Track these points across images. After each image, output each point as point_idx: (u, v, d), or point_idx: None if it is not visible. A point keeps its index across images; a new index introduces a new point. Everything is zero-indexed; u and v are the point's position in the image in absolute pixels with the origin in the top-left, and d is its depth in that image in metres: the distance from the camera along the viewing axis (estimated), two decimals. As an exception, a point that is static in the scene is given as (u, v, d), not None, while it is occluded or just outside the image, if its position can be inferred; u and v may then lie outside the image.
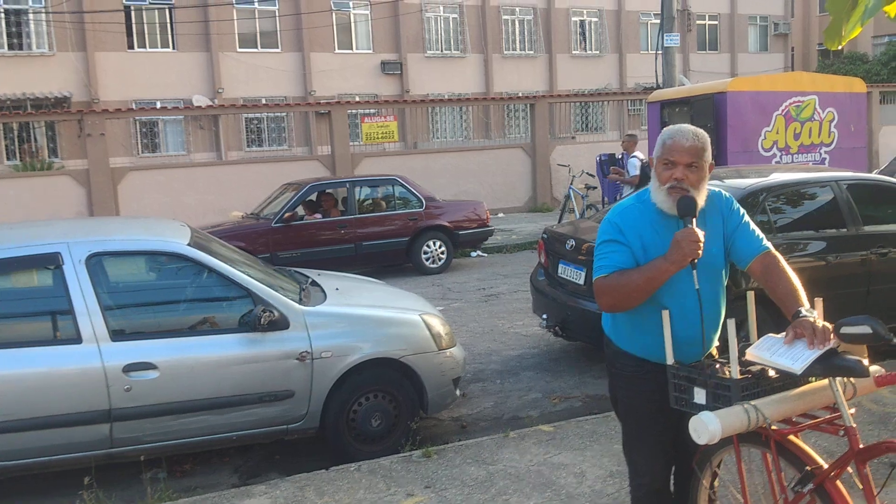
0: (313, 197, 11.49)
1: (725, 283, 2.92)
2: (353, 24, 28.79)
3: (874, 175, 7.89)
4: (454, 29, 30.37)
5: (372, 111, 18.94)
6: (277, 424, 4.79)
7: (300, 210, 11.19)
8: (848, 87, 13.39)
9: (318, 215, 11.28)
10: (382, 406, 5.02)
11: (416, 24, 29.41)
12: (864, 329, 2.19)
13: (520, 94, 26.51)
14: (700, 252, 2.60)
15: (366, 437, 4.98)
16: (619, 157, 15.88)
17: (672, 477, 3.06)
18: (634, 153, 12.89)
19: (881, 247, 6.18)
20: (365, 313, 5.16)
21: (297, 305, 4.87)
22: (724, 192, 2.94)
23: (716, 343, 2.92)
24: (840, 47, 2.75)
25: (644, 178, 12.10)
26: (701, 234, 2.61)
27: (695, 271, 2.64)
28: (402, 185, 11.77)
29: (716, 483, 3.06)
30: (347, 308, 5.17)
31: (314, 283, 5.68)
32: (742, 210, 2.91)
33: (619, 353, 2.99)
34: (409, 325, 5.18)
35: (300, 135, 25.79)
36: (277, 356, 4.69)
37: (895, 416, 4.89)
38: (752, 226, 2.88)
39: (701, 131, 2.80)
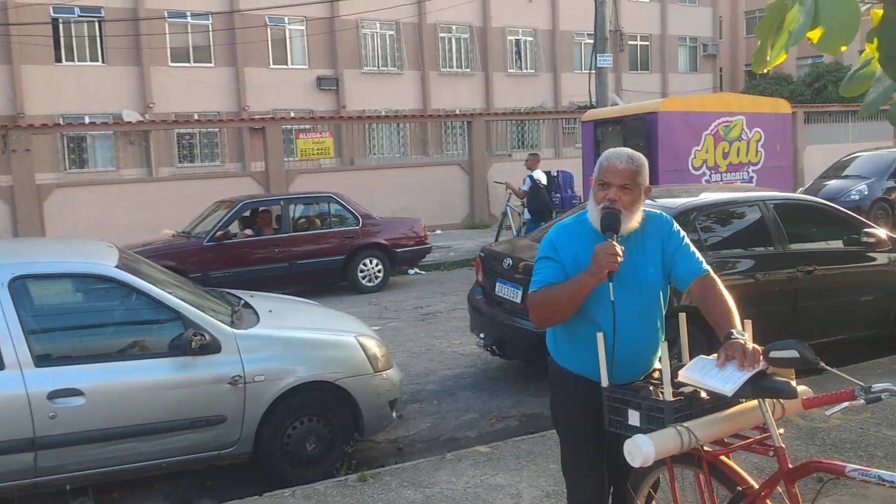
0: (247, 214, 11.30)
1: (664, 305, 2.95)
2: (288, 40, 28.62)
3: (800, 194, 8.15)
4: (391, 45, 30.45)
5: (307, 127, 18.78)
6: (209, 450, 4.66)
7: (233, 228, 10.99)
8: (774, 108, 13.84)
9: (251, 232, 11.09)
10: (317, 430, 4.94)
11: (353, 40, 29.39)
12: (792, 353, 2.23)
13: (457, 112, 26.72)
14: (616, 265, 2.63)
15: (300, 462, 4.89)
16: (555, 174, 16.10)
17: (610, 497, 3.07)
18: (535, 170, 13.13)
19: (807, 264, 6.37)
20: (299, 336, 5.07)
21: (228, 328, 4.77)
22: (664, 213, 2.97)
23: (657, 364, 2.94)
24: (766, 71, 2.82)
25: (532, 194, 12.91)
26: (619, 248, 2.65)
27: (611, 284, 2.67)
28: (338, 203, 11.67)
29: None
30: (281, 331, 5.08)
31: (247, 305, 5.57)
32: (682, 232, 2.94)
33: (559, 370, 3.01)
34: (344, 347, 5.11)
35: (233, 151, 25.45)
36: (209, 380, 4.58)
37: (822, 431, 5.02)
38: (692, 248, 2.92)
39: (638, 155, 2.85)
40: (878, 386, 2.18)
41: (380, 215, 12.68)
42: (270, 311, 5.47)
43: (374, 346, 5.21)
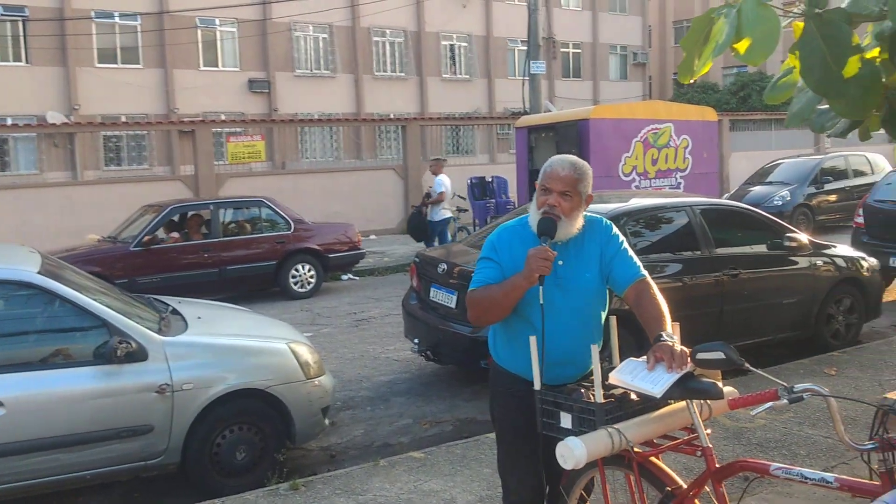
0: (175, 219, 11.04)
1: (604, 309, 2.98)
2: (219, 42, 28.14)
3: (725, 200, 8.36)
4: (324, 49, 30.23)
5: (238, 130, 18.51)
6: (136, 461, 4.53)
7: (161, 233, 10.72)
8: (700, 116, 14.21)
9: (177, 234, 10.83)
10: (248, 438, 4.84)
11: (285, 43, 29.08)
12: (718, 355, 2.27)
13: (391, 116, 26.61)
14: (548, 270, 2.67)
15: (230, 471, 4.78)
16: (490, 180, 16.21)
17: (546, 499, 3.08)
18: (441, 175, 13.33)
19: (732, 268, 6.54)
20: (229, 343, 4.97)
21: (156, 336, 4.64)
22: (604, 219, 3.01)
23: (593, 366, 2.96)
24: (692, 81, 2.89)
25: (413, 215, 13.37)
26: (552, 253, 2.68)
27: (541, 287, 2.71)
28: (270, 207, 11.50)
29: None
30: (210, 338, 4.97)
31: (175, 312, 5.44)
32: (621, 238, 2.98)
33: (497, 370, 3.04)
34: (276, 354, 5.02)
35: (162, 154, 24.87)
36: (135, 389, 4.45)
37: (748, 431, 5.15)
38: (630, 252, 2.96)
39: (582, 164, 2.89)
40: (800, 386, 2.24)
41: (312, 220, 12.55)
42: (199, 317, 5.35)
43: (306, 353, 5.14)
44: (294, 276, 11.29)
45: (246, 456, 4.81)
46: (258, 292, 11.43)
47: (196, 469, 4.67)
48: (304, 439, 5.13)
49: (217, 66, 28.07)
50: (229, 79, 27.90)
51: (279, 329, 5.68)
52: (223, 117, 24.35)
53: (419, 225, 13.29)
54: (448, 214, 13.37)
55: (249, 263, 10.98)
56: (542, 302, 2.71)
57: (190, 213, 11.22)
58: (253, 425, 4.85)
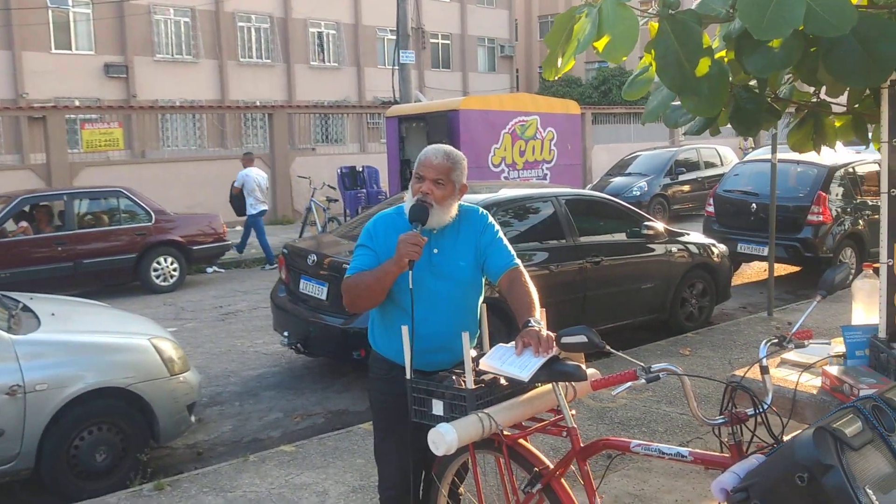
0: (25, 210, 10.34)
1: (480, 297, 3.02)
2: (72, 23, 26.58)
3: (588, 190, 8.67)
4: (186, 33, 29.11)
5: (94, 117, 17.54)
6: (-18, 468, 4.23)
7: (9, 225, 10.03)
8: (565, 109, 14.67)
9: (25, 225, 10.16)
10: (108, 439, 4.63)
11: (144, 26, 27.79)
12: (581, 338, 2.35)
13: (257, 103, 25.98)
14: (417, 255, 2.69)
15: (90, 474, 4.56)
16: (360, 170, 16.11)
17: (422, 484, 3.11)
18: (248, 168, 13.31)
19: (595, 256, 6.80)
20: (86, 340, 4.72)
21: (4, 334, 4.37)
22: (480, 209, 3.05)
23: (472, 353, 2.99)
24: (556, 77, 2.98)
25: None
26: (422, 238, 2.71)
27: (410, 273, 2.72)
28: (128, 198, 10.97)
29: (461, 490, 3.16)
30: (65, 335, 4.71)
31: (26, 309, 5.11)
32: (496, 227, 3.04)
33: (374, 356, 3.06)
34: (137, 350, 4.81)
35: (10, 141, 23.22)
36: (-19, 392, 4.14)
37: (610, 410, 5.38)
38: (505, 242, 3.02)
39: (456, 153, 2.93)
40: (656, 366, 2.35)
41: (175, 211, 12.08)
42: (53, 314, 5.05)
43: (169, 349, 4.96)
44: (156, 270, 10.85)
45: (107, 457, 4.60)
46: (117, 287, 10.90)
47: (52, 473, 4.43)
48: (168, 438, 4.95)
49: (70, 48, 26.50)
50: (84, 62, 26.40)
51: (140, 324, 5.45)
52: (77, 103, 23.04)
53: (240, 206, 13.19)
54: (262, 207, 13.25)
55: (107, 256, 10.45)
56: (411, 287, 2.72)
57: (41, 204, 10.55)
58: (114, 425, 4.65)
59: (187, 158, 19.22)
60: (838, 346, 3.39)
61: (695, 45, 2.58)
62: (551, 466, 2.70)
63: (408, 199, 2.91)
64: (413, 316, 2.72)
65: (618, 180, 17.52)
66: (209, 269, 12.57)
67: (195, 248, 11.26)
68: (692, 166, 17.83)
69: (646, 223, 7.33)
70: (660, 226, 7.45)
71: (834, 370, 3.12)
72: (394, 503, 3.03)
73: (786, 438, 2.08)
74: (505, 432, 2.70)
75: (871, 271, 3.45)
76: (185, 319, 9.17)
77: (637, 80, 3.49)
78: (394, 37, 19.41)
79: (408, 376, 2.75)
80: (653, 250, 7.36)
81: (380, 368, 3.02)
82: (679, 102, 3.21)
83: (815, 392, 3.17)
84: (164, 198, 13.66)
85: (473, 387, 2.62)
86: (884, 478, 1.82)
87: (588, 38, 2.54)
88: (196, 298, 10.46)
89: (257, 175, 13.23)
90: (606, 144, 24.44)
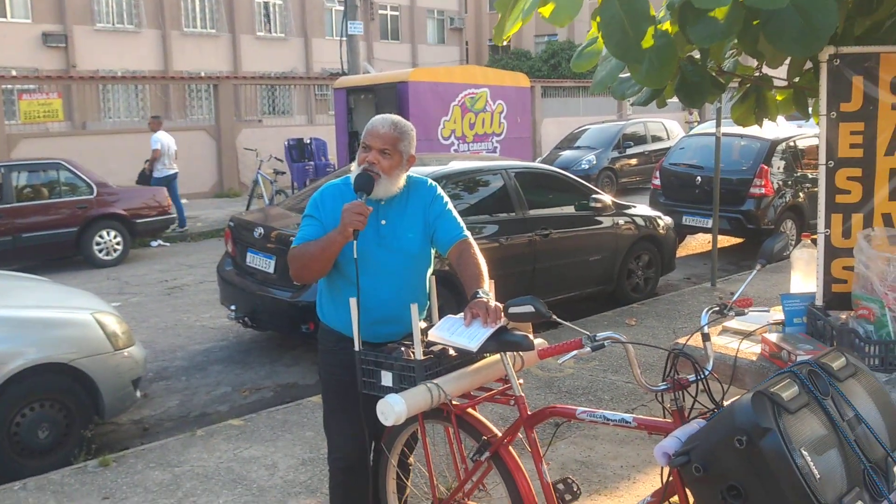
0: (-41, 183, 10.00)
1: (429, 268, 3.02)
2: (7, -10, 25.57)
3: (537, 163, 8.70)
4: (127, 1, 28.25)
5: (32, 87, 16.93)
6: (-83, 449, 4.11)
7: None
8: (514, 82, 14.65)
9: None
10: (51, 415, 4.54)
11: (83, -6, 26.90)
12: (528, 308, 2.37)
13: (202, 74, 25.41)
14: (362, 224, 2.67)
15: (32, 452, 4.47)
16: (308, 142, 15.92)
17: (371, 455, 3.11)
18: (158, 132, 13.24)
19: (544, 229, 6.85)
20: (26, 315, 4.60)
21: (-64, 310, 4.21)
22: (429, 180, 3.03)
23: (422, 325, 2.99)
24: (506, 43, 2.98)
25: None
26: (366, 208, 2.69)
27: (355, 242, 2.71)
28: (69, 170, 10.66)
29: (410, 459, 3.18)
30: (4, 310, 4.59)
31: (-40, 283, 4.95)
32: (446, 198, 3.02)
33: (323, 328, 3.03)
34: (80, 325, 4.71)
35: (-59, 111, 22.36)
36: (-87, 370, 4.02)
37: (558, 380, 5.46)
38: (454, 213, 3.01)
39: (404, 123, 2.90)
40: (601, 335, 2.38)
41: (117, 183, 11.78)
42: (-10, 289, 4.91)
43: (113, 323, 4.86)
44: (98, 244, 10.59)
45: (50, 434, 4.52)
46: (59, 261, 10.64)
47: (-9, 452, 4.32)
48: (113, 413, 4.87)
49: (5, 16, 25.55)
50: (20, 31, 25.49)
51: (83, 299, 5.32)
52: (14, 73, 22.23)
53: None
54: (171, 171, 13.14)
55: (47, 230, 10.17)
56: (355, 257, 2.71)
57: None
58: (57, 401, 4.56)
59: (130, 130, 18.73)
60: (777, 313, 3.48)
61: (639, 13, 2.60)
62: (499, 435, 2.74)
63: (353, 169, 2.88)
64: (359, 287, 2.71)
65: (567, 153, 17.64)
66: (154, 243, 12.33)
67: (139, 221, 11.02)
68: (639, 140, 18.02)
69: (594, 196, 7.40)
70: (607, 198, 7.53)
71: (773, 337, 3.20)
72: (344, 474, 3.03)
73: (726, 403, 2.14)
74: (454, 402, 2.72)
75: (810, 241, 3.55)
76: (130, 294, 9.00)
77: (585, 52, 3.51)
78: (342, 7, 19.13)
79: (356, 348, 2.75)
80: (600, 223, 7.44)
81: (328, 341, 3.00)
82: (627, 74, 3.24)
83: (754, 359, 3.25)
84: (106, 170, 13.31)
85: (422, 358, 2.63)
86: (818, 440, 1.88)
87: (534, 2, 2.54)
88: (141, 273, 10.26)
89: (168, 139, 13.16)
90: (556, 118, 24.53)
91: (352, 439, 2.97)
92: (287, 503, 3.85)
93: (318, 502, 3.83)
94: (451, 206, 3.02)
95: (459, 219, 3.02)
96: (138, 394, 5.05)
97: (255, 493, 3.95)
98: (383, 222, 2.86)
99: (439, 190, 3.03)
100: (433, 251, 3.02)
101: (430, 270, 3.03)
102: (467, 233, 2.98)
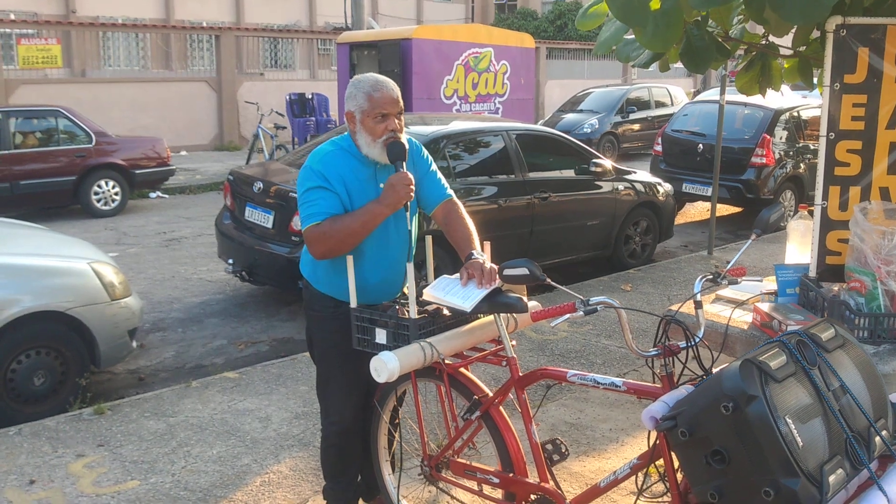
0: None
1: (414, 227, 3.01)
2: (5, -70, 25.09)
3: (539, 126, 8.65)
4: (129, -53, 27.76)
5: (31, 32, 16.72)
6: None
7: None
8: (519, 42, 14.51)
9: None
10: (47, 363, 4.57)
11: (85, -63, 26.44)
12: (522, 271, 2.38)
13: (204, 24, 25.10)
14: (412, 195, 2.69)
15: (28, 398, 4.51)
16: (310, 97, 15.80)
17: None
18: None
19: (543, 192, 6.84)
20: (22, 263, 4.61)
21: (-67, 255, 4.21)
22: (414, 139, 3.02)
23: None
24: (513, 1, 2.94)
25: None
26: (412, 177, 2.69)
27: (408, 213, 2.73)
28: (68, 118, 10.59)
29: (400, 415, 3.22)
30: (1, 257, 4.58)
31: (-43, 229, 4.95)
32: (430, 158, 3.02)
33: (317, 294, 2.97)
34: (76, 274, 4.72)
35: (-61, 54, 22.13)
36: None
37: (551, 343, 5.50)
38: (439, 174, 3.02)
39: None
40: (595, 299, 2.40)
41: (117, 133, 11.73)
42: (-13, 235, 4.91)
43: (110, 273, 4.87)
44: (97, 193, 10.57)
45: (45, 381, 4.55)
46: (57, 210, 10.64)
47: (-13, 398, 4.36)
48: (109, 363, 4.91)
49: (3, -43, 25.10)
50: (18, -27, 25.07)
51: (80, 248, 5.32)
52: (12, 17, 21.93)
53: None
54: None
55: (45, 178, 10.12)
56: (410, 228, 2.75)
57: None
58: (53, 349, 4.58)
59: (130, 79, 18.58)
60: (770, 283, 3.50)
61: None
62: (490, 395, 2.77)
63: (366, 141, 2.77)
64: (412, 258, 2.74)
65: (569, 117, 17.53)
66: (152, 194, 12.31)
67: (138, 171, 10.98)
68: (643, 105, 17.90)
69: (594, 160, 7.38)
70: (608, 163, 7.51)
71: (765, 307, 3.23)
72: (339, 437, 3.06)
73: (715, 371, 2.16)
74: (446, 361, 2.74)
75: (807, 212, 3.55)
76: (128, 245, 9.01)
77: (590, 12, 3.47)
78: (347, -40, 18.82)
79: (352, 304, 2.77)
80: (600, 188, 7.42)
81: (323, 307, 2.95)
82: (633, 36, 3.21)
83: (745, 327, 3.28)
84: (105, 119, 13.25)
85: (417, 316, 2.65)
86: (803, 408, 1.91)
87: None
88: (139, 224, 10.26)
89: None
90: (560, 80, 24.32)
91: (348, 404, 3.00)
92: (280, 455, 3.90)
93: (310, 455, 3.88)
94: (434, 166, 3.03)
95: (444, 179, 3.03)
96: (134, 344, 5.09)
97: (249, 445, 4.01)
98: (381, 185, 2.85)
99: (424, 151, 3.03)
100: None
101: (416, 230, 3.03)
102: (452, 193, 2.98)
